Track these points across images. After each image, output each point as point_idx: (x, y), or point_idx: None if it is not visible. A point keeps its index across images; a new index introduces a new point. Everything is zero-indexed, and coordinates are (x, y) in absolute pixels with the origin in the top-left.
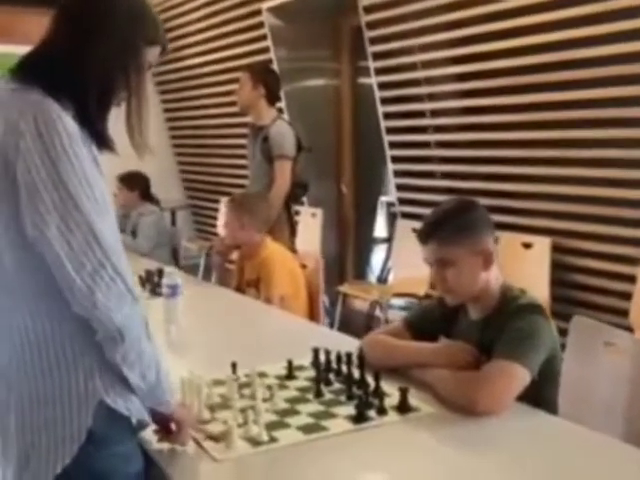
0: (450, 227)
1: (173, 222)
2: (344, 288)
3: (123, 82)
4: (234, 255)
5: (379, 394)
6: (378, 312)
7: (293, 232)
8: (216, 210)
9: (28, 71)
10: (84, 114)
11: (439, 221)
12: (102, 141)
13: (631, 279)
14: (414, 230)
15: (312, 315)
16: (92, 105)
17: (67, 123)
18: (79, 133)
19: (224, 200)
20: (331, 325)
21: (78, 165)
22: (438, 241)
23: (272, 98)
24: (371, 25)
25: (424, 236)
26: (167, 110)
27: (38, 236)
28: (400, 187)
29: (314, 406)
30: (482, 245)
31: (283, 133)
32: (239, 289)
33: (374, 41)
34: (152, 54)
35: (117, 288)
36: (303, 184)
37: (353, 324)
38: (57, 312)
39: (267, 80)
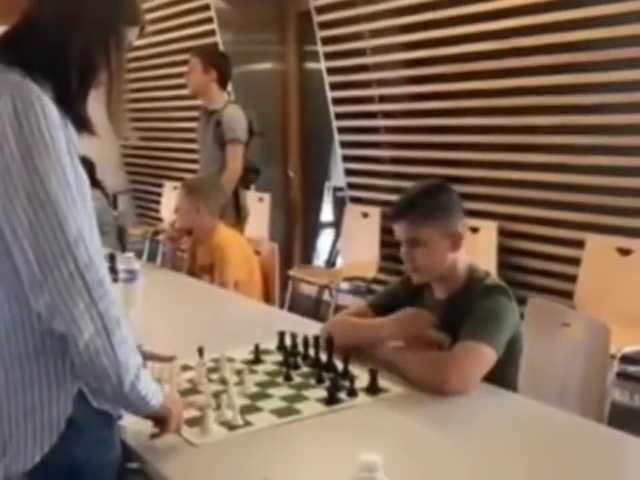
0: (422, 208)
1: (115, 207)
2: (293, 272)
3: (104, 63)
4: (184, 241)
5: (349, 376)
6: (326, 296)
7: (239, 217)
8: (159, 195)
9: (6, 51)
10: (64, 96)
11: (412, 201)
12: (82, 123)
13: (575, 262)
14: (363, 214)
15: (267, 300)
16: (73, 86)
17: (45, 105)
18: (57, 115)
19: (169, 185)
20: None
21: (53, 149)
22: (410, 221)
23: (223, 82)
24: (320, 10)
25: (396, 214)
26: None
27: (6, 221)
28: (349, 172)
29: (285, 390)
30: (452, 227)
31: (236, 117)
32: (191, 275)
33: (323, 26)
34: (132, 34)
35: (74, 286)
36: (255, 169)
37: (301, 308)
38: (29, 302)
39: (219, 64)
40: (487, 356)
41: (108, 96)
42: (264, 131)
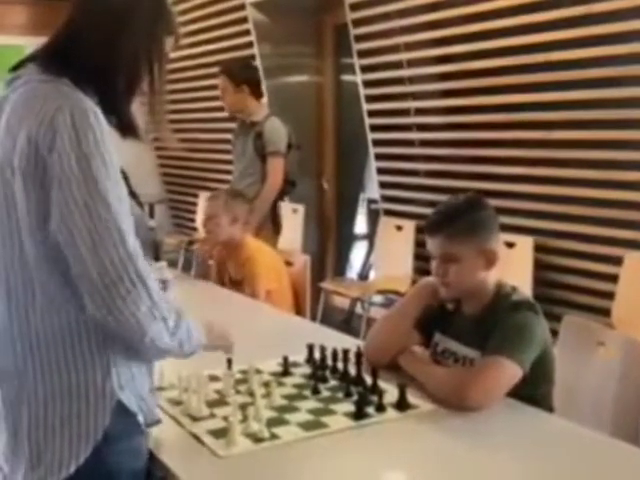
0: (460, 224)
1: (151, 216)
2: (326, 284)
3: (147, 71)
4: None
5: (377, 391)
6: (359, 309)
7: (277, 230)
8: (195, 204)
9: (54, 61)
10: (110, 103)
11: (449, 216)
12: (127, 128)
13: (613, 278)
14: (397, 227)
15: (298, 312)
16: (120, 94)
17: (100, 118)
18: (106, 125)
19: (204, 195)
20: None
21: (109, 162)
22: (446, 236)
23: (257, 92)
24: (357, 23)
25: (432, 229)
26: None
27: (64, 230)
28: (383, 184)
29: (312, 403)
30: (488, 245)
31: (277, 130)
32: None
33: (360, 39)
34: (169, 44)
35: (136, 292)
36: (292, 181)
37: (333, 321)
38: (74, 309)
39: (247, 77)
40: (509, 371)
41: (151, 103)
42: (299, 142)
